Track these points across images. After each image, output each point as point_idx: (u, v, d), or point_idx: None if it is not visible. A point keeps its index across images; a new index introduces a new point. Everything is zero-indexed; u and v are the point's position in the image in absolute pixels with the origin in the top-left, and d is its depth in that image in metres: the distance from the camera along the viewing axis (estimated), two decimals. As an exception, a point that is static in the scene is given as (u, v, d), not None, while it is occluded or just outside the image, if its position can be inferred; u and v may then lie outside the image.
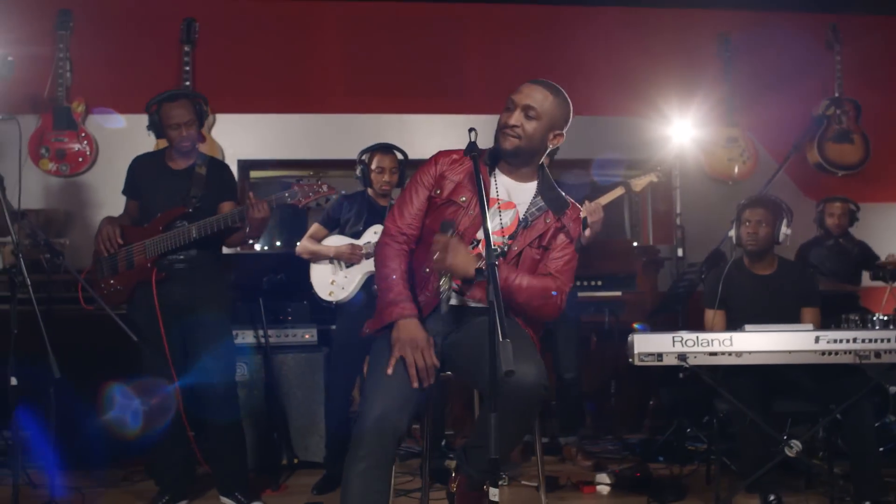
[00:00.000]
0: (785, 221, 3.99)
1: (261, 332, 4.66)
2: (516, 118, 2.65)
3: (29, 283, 3.07)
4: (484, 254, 2.33)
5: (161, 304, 3.78)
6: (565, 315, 4.53)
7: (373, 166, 4.41)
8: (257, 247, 6.26)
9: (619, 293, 5.47)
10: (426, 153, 2.96)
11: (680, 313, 4.79)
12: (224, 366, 3.96)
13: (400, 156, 4.49)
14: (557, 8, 6.35)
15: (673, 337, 3.41)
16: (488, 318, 2.25)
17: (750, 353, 3.39)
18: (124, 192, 4.07)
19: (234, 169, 6.05)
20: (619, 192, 4.55)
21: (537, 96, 2.66)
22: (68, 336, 4.16)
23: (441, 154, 2.81)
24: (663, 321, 4.86)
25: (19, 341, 3.29)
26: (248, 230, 3.86)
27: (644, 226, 6.80)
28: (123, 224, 3.94)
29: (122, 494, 4.15)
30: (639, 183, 4.66)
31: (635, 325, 2.89)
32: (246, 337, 4.69)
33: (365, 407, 2.51)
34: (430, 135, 6.05)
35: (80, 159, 5.79)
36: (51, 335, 3.33)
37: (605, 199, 4.52)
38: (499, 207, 2.70)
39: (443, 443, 4.58)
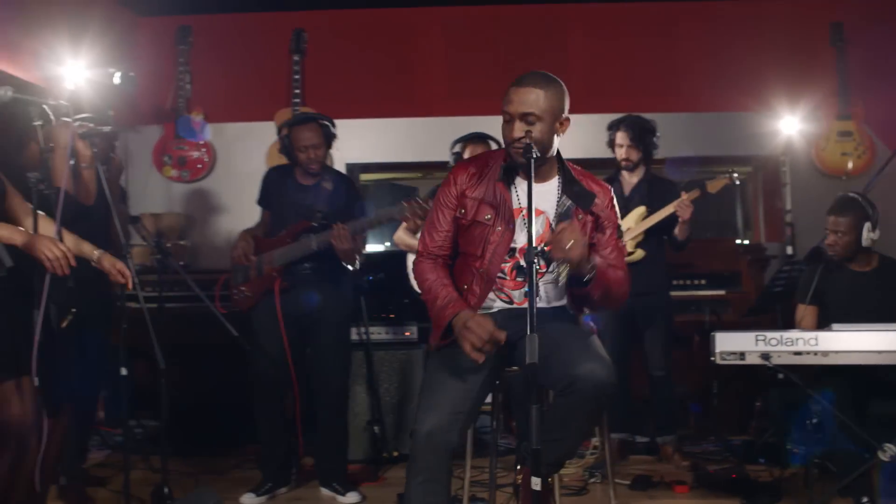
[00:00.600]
0: (868, 226, 3.80)
1: (362, 329, 4.84)
2: (519, 130, 2.60)
3: (137, 282, 3.31)
4: (523, 257, 2.34)
5: (285, 308, 4.02)
6: (653, 312, 4.60)
7: (465, 156, 4.51)
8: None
9: (722, 292, 5.39)
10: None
11: (780, 312, 4.68)
12: (340, 367, 4.19)
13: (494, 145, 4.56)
14: (661, 4, 6.27)
15: (756, 336, 3.36)
16: (555, 317, 2.32)
17: (837, 352, 3.30)
18: (259, 202, 4.35)
19: (342, 172, 6.33)
20: (695, 193, 4.52)
21: (530, 99, 2.60)
22: (179, 332, 4.48)
23: (458, 170, 2.81)
24: (762, 321, 4.77)
25: (139, 337, 3.54)
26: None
27: (756, 223, 6.64)
28: (257, 235, 4.22)
29: (232, 481, 4.39)
30: (715, 185, 4.63)
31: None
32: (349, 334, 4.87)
33: (417, 423, 2.61)
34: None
35: (199, 166, 6.14)
36: (164, 331, 3.60)
37: (688, 197, 4.52)
38: (524, 217, 2.66)
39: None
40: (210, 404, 4.92)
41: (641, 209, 4.64)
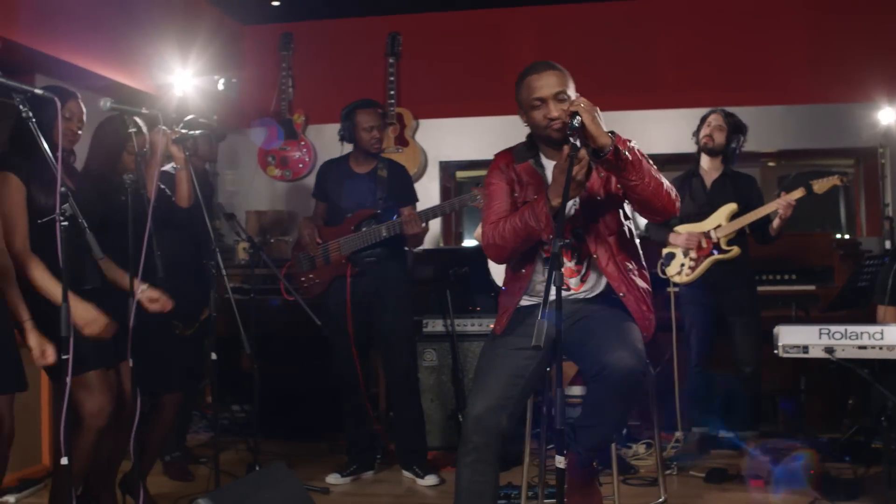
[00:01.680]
0: None
1: (448, 321, 5.01)
2: (556, 109, 2.72)
3: (225, 273, 3.58)
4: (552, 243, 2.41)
5: (353, 296, 4.23)
6: (742, 306, 4.59)
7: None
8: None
9: (812, 287, 5.29)
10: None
11: (864, 309, 4.58)
12: (406, 352, 4.38)
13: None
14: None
15: (819, 329, 3.35)
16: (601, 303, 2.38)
17: (904, 347, 3.26)
18: (314, 194, 4.56)
19: (436, 170, 6.54)
20: (800, 193, 4.48)
21: (554, 80, 2.75)
22: (270, 322, 4.77)
23: (498, 157, 2.97)
24: (857, 315, 4.67)
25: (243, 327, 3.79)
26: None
27: (857, 218, 6.47)
28: (318, 224, 4.43)
29: (322, 464, 4.64)
30: (822, 185, 4.55)
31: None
32: (436, 325, 5.05)
33: (468, 406, 2.75)
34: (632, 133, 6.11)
35: (301, 165, 6.46)
36: (257, 322, 3.88)
37: (791, 197, 4.48)
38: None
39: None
40: (304, 391, 5.20)
41: (733, 206, 4.61)
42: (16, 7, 4.33)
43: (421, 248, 5.16)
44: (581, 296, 2.87)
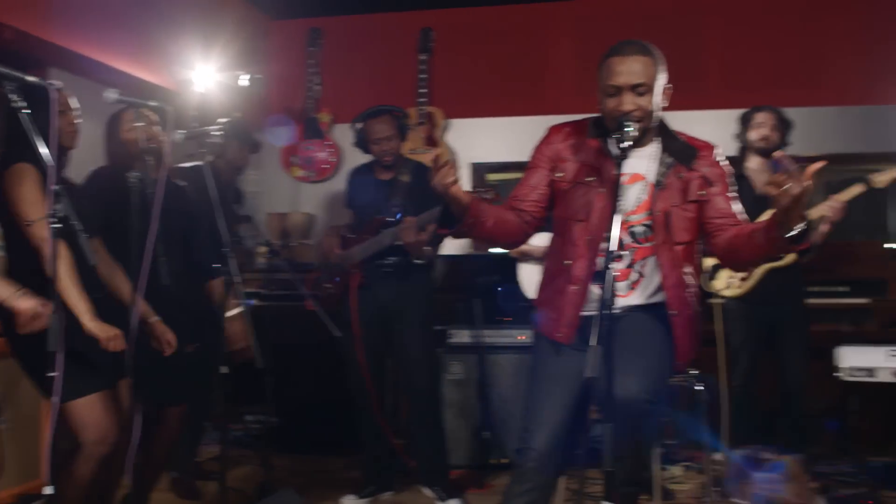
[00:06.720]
0: None
1: (476, 332, 4.76)
2: (630, 103, 2.46)
3: (240, 281, 3.35)
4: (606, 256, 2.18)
5: (368, 306, 4.04)
6: (790, 320, 4.30)
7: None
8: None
9: (865, 300, 4.98)
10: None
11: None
12: (426, 366, 4.14)
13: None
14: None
15: (887, 351, 3.07)
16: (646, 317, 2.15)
17: (978, 372, 2.97)
18: (345, 203, 4.38)
19: (467, 172, 6.28)
20: (858, 189, 4.20)
21: (637, 68, 2.47)
22: (289, 331, 4.55)
23: (554, 131, 2.71)
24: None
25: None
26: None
27: (906, 225, 6.14)
28: (342, 233, 4.24)
29: (338, 480, 4.43)
30: (882, 179, 4.25)
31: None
32: (462, 336, 4.81)
33: (527, 440, 2.49)
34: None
35: (326, 166, 6.24)
36: (274, 330, 3.66)
37: (845, 196, 4.20)
38: (624, 184, 2.48)
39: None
40: (323, 403, 4.97)
41: None
42: (27, -6, 4.15)
43: (450, 254, 4.93)
44: (628, 302, 2.58)
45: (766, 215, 4.19)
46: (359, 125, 4.17)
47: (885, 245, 5.79)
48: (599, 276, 2.50)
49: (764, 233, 2.35)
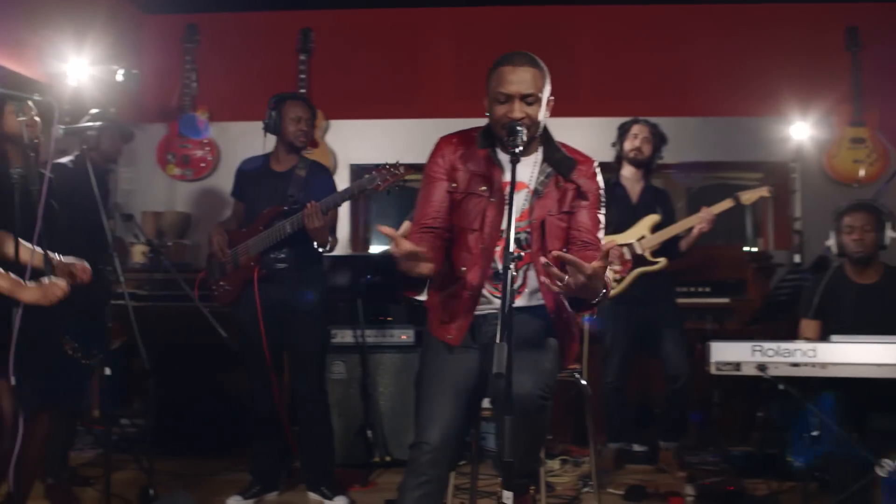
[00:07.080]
0: (889, 224, 3.77)
1: (358, 332, 4.79)
2: (519, 110, 2.54)
3: (123, 280, 3.27)
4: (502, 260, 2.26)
5: (263, 302, 3.96)
6: (669, 317, 4.54)
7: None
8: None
9: (726, 300, 5.29)
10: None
11: (783, 322, 4.58)
12: (316, 365, 4.13)
13: None
14: (671, 7, 6.17)
15: (752, 346, 3.28)
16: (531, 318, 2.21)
17: (835, 364, 3.21)
18: (233, 193, 4.31)
19: (346, 173, 6.28)
20: (728, 204, 4.50)
21: (528, 79, 2.54)
22: (174, 331, 4.44)
23: (443, 142, 2.75)
24: (764, 329, 4.68)
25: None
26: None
27: (764, 231, 6.53)
28: (230, 228, 4.17)
29: (221, 482, 4.35)
30: (749, 197, 4.58)
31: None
32: (345, 336, 4.82)
33: (422, 435, 2.52)
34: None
35: (203, 164, 6.11)
36: (158, 330, 3.56)
37: (715, 209, 4.49)
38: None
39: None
40: (204, 404, 4.88)
41: (655, 217, 4.59)
42: None
43: (331, 254, 4.92)
44: (514, 305, 2.66)
45: (641, 223, 4.47)
46: (272, 106, 4.09)
47: (744, 248, 6.17)
48: (496, 278, 2.59)
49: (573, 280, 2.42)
